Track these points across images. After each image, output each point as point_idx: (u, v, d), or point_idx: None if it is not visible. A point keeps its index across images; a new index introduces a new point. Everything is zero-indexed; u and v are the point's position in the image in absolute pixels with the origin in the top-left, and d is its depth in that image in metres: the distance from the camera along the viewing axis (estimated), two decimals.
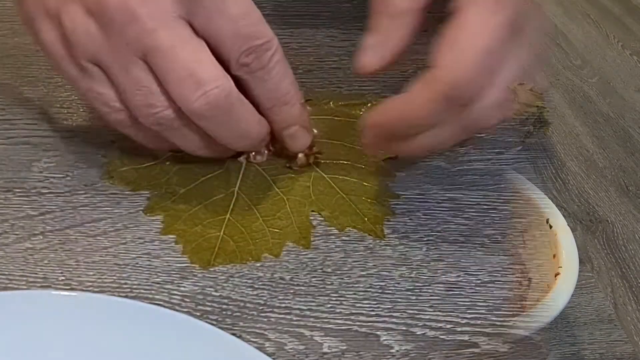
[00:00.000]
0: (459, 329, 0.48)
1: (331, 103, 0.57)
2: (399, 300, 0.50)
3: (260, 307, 0.49)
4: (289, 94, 0.52)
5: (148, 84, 0.49)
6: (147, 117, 0.50)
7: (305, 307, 0.49)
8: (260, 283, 0.50)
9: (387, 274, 0.51)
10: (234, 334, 0.45)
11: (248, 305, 0.49)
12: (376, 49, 0.52)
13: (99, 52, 0.49)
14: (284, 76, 0.51)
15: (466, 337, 0.48)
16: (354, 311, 0.49)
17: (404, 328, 0.48)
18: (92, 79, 0.50)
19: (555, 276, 0.50)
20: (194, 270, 0.50)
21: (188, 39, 0.48)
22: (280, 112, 0.52)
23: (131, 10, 0.47)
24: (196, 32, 0.49)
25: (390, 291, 0.50)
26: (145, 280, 0.49)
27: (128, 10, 0.47)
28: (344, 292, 0.50)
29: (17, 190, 0.53)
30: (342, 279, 0.50)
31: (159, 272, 0.50)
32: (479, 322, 0.49)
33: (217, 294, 0.49)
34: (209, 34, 0.49)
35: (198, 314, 0.48)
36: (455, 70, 0.47)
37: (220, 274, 0.50)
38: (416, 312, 0.49)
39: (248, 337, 0.47)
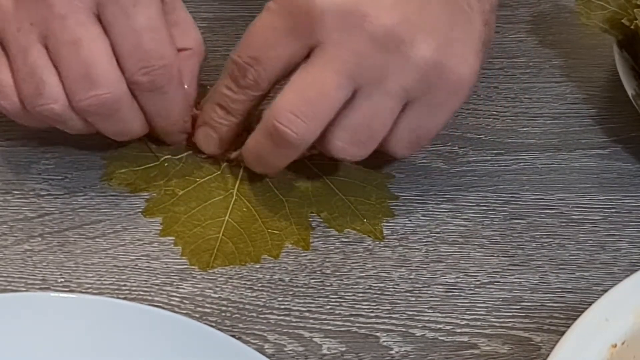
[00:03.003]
0: (458, 330, 0.48)
1: None
2: (398, 301, 0.49)
3: (260, 309, 0.49)
4: (174, 121, 0.52)
5: (41, 73, 0.48)
6: (33, 107, 0.49)
7: (304, 309, 0.49)
8: (259, 284, 0.50)
9: (386, 275, 0.51)
10: (233, 336, 0.45)
11: (247, 306, 0.49)
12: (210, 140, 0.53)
13: (5, 27, 0.48)
14: (174, 104, 0.51)
15: (466, 339, 0.48)
16: (353, 312, 0.49)
17: (403, 329, 0.48)
18: None
19: None
20: (193, 272, 0.50)
21: (94, 37, 0.48)
22: (165, 131, 0.53)
23: None
24: (104, 28, 0.48)
25: (389, 292, 0.50)
26: (144, 282, 0.49)
27: None
28: (343, 294, 0.50)
29: (16, 192, 0.53)
30: (341, 280, 0.50)
31: (158, 273, 0.50)
32: (478, 323, 0.49)
33: (216, 295, 0.49)
34: (113, 36, 0.48)
35: (197, 315, 0.48)
36: (274, 113, 0.48)
37: (219, 275, 0.50)
38: (415, 313, 0.49)
39: (247, 338, 0.47)
